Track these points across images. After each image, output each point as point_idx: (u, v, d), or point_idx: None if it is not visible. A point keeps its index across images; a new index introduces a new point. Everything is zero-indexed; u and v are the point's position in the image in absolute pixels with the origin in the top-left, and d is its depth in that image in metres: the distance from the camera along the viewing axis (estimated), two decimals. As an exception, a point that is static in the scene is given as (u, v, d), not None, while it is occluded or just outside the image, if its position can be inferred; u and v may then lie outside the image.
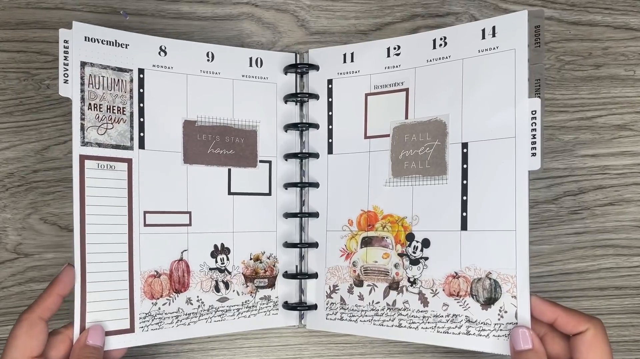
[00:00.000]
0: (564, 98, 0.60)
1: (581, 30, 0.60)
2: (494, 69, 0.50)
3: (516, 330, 0.47)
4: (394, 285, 0.53)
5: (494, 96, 0.50)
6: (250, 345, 0.57)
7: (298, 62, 0.58)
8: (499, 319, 0.48)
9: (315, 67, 0.58)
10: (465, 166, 0.51)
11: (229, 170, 0.56)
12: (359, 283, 0.55)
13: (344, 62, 0.56)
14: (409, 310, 0.52)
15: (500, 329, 0.48)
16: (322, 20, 0.60)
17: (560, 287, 0.59)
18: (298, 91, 0.58)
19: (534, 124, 0.48)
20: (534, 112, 0.48)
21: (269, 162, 0.57)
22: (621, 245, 0.59)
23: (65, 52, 0.50)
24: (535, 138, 0.48)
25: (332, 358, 0.57)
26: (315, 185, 0.57)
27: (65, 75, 0.50)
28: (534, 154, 0.48)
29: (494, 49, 0.50)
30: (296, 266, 0.57)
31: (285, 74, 0.58)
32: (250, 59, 0.58)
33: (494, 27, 0.50)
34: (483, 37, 0.51)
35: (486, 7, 0.60)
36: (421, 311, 0.52)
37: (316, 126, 0.57)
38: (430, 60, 0.53)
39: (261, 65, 0.58)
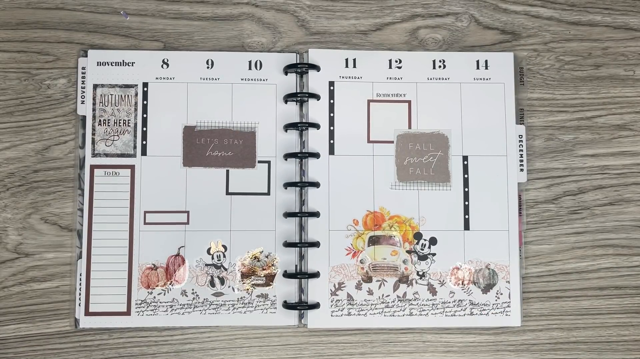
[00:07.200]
0: (564, 98, 0.60)
1: (581, 30, 0.60)
2: (488, 96, 0.59)
3: None
4: (404, 279, 0.57)
5: (488, 119, 0.58)
6: (250, 345, 0.57)
7: (298, 62, 0.58)
8: (496, 300, 0.57)
9: (316, 68, 0.58)
10: (466, 176, 0.58)
11: (227, 171, 0.57)
12: (367, 279, 0.57)
13: (346, 66, 0.59)
14: (419, 300, 0.57)
15: (498, 308, 0.57)
16: (322, 20, 0.60)
17: (560, 287, 0.59)
18: (298, 91, 0.58)
19: (520, 146, 0.58)
20: (520, 137, 0.58)
21: (268, 162, 0.58)
22: (621, 244, 0.59)
23: (83, 77, 0.57)
24: (522, 157, 0.58)
25: (332, 358, 0.58)
26: (316, 184, 0.57)
27: (82, 97, 0.57)
28: (521, 169, 0.58)
29: (487, 79, 0.59)
30: (296, 266, 0.57)
31: (286, 74, 0.58)
32: (250, 62, 0.58)
33: (486, 61, 0.59)
34: (477, 67, 0.59)
35: (486, 7, 0.60)
36: (430, 300, 0.57)
37: (317, 126, 0.58)
38: (431, 79, 0.59)
39: (260, 68, 0.58)
